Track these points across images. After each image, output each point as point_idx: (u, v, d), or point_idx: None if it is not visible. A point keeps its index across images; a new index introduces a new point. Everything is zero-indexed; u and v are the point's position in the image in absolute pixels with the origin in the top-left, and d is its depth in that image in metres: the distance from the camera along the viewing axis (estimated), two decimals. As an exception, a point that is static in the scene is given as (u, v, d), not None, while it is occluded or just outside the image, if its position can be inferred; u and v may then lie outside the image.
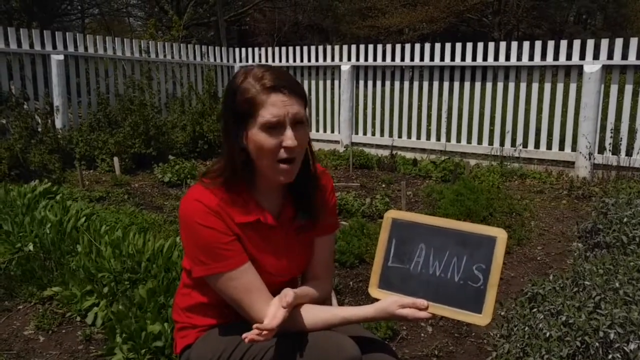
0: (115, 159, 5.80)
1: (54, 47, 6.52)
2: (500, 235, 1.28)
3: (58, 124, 6.40)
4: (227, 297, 1.33)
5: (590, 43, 5.99)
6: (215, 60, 8.70)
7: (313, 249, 1.48)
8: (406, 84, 7.38)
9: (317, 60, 8.14)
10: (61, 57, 6.49)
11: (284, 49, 8.52)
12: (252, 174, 1.35)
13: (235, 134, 1.30)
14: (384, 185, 5.80)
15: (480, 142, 6.87)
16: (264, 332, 1.19)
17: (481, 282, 1.26)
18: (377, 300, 1.34)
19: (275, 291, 1.38)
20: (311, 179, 1.41)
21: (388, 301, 1.29)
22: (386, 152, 7.29)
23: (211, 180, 1.34)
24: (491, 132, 6.80)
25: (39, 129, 6.07)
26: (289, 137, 1.26)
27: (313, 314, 1.32)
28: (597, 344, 1.57)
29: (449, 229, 1.33)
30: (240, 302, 1.31)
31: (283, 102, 1.26)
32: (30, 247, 3.15)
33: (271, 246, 1.38)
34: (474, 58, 6.77)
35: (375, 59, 7.57)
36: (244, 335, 1.20)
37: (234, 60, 9.03)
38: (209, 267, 1.30)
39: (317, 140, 8.13)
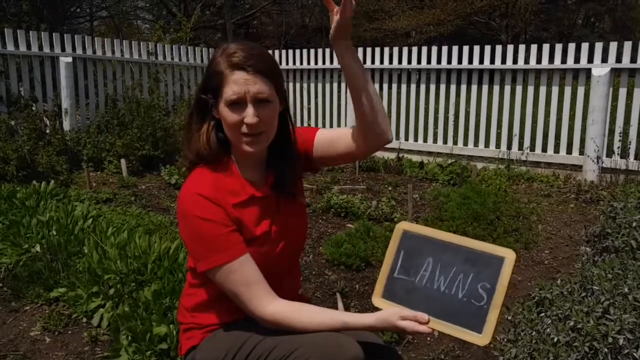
0: (123, 160, 5.82)
1: (63, 49, 6.55)
2: (508, 256, 1.27)
3: (66, 125, 6.43)
4: (228, 292, 1.33)
5: (599, 46, 5.96)
6: (222, 62, 8.70)
7: (306, 210, 1.55)
8: (413, 86, 7.36)
9: (324, 63, 8.14)
10: (70, 59, 6.53)
11: (290, 51, 8.53)
12: (233, 151, 1.42)
13: (208, 107, 1.37)
14: (390, 188, 5.78)
15: (487, 145, 6.84)
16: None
17: (484, 301, 1.25)
18: (380, 309, 1.33)
19: (284, 264, 1.44)
20: (287, 155, 1.46)
21: (389, 312, 1.28)
22: (392, 155, 7.28)
23: (198, 168, 1.40)
24: (498, 135, 6.77)
25: (47, 131, 6.09)
26: (248, 115, 1.31)
27: (316, 316, 1.31)
28: (605, 349, 1.56)
29: (458, 245, 1.32)
30: (241, 295, 1.31)
31: (245, 81, 1.30)
32: (37, 248, 3.17)
33: (269, 217, 1.42)
34: (481, 61, 6.74)
35: (382, 62, 7.56)
36: None
37: (241, 63, 9.03)
38: (209, 261, 1.31)
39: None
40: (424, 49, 7.20)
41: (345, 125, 7.94)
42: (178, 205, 1.36)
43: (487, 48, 6.70)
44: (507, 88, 6.64)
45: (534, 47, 6.41)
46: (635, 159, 5.76)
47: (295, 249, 1.54)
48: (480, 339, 1.22)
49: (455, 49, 6.92)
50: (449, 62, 6.99)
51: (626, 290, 1.76)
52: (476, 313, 1.24)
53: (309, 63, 8.30)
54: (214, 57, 1.35)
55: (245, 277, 1.31)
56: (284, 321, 1.30)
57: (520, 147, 6.57)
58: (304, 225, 1.56)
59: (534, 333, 1.79)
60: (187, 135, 1.45)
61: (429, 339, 2.56)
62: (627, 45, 5.76)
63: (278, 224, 1.44)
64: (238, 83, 1.30)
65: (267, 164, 1.47)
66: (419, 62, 7.24)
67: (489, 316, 1.23)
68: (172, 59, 7.91)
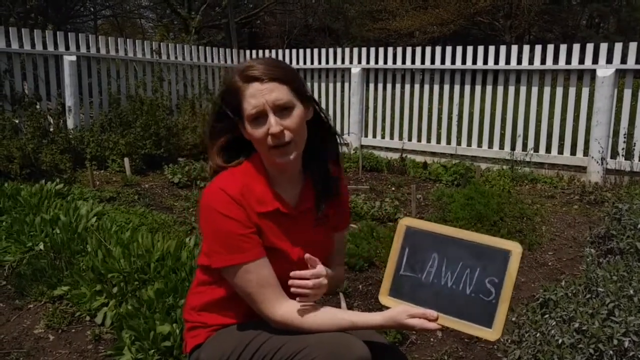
0: (126, 159, 5.82)
1: (67, 48, 6.56)
2: (515, 249, 1.26)
3: (70, 124, 6.43)
4: (241, 291, 1.33)
5: (604, 47, 5.93)
6: (226, 62, 8.72)
7: (332, 242, 1.50)
8: (416, 87, 7.35)
9: (327, 62, 8.13)
10: (73, 57, 6.54)
11: (294, 51, 8.53)
12: (263, 165, 1.39)
13: (228, 122, 1.37)
14: (393, 189, 5.78)
15: (491, 146, 6.82)
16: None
17: (493, 296, 1.24)
18: (387, 307, 1.32)
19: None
20: (323, 168, 1.45)
21: (397, 310, 1.28)
22: (396, 155, 7.27)
23: (230, 170, 1.38)
24: (502, 136, 6.76)
25: (51, 129, 6.10)
26: (272, 124, 1.28)
27: (323, 315, 1.31)
28: (611, 352, 1.55)
29: (463, 240, 1.31)
30: (254, 296, 1.31)
31: (260, 92, 1.28)
32: (41, 247, 3.17)
33: (290, 235, 1.39)
34: (485, 61, 6.73)
35: (385, 62, 7.55)
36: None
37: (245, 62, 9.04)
38: (226, 258, 1.30)
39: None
40: (428, 49, 7.19)
41: (349, 124, 7.94)
42: (202, 198, 1.34)
43: (491, 48, 6.68)
44: (511, 89, 6.62)
45: (538, 48, 6.39)
46: (640, 160, 5.75)
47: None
48: (491, 334, 1.22)
49: (459, 49, 6.91)
50: (453, 62, 6.98)
51: (631, 292, 1.75)
52: (485, 308, 1.24)
53: (312, 63, 8.29)
54: (232, 76, 1.34)
55: (260, 279, 1.31)
56: (292, 322, 1.29)
57: (524, 148, 6.55)
58: (329, 251, 1.51)
59: (538, 334, 1.78)
60: (210, 146, 1.44)
61: (432, 339, 2.55)
62: (632, 46, 5.74)
63: (302, 249, 1.40)
64: (254, 96, 1.28)
65: (305, 179, 1.44)
66: (422, 62, 7.23)
67: (498, 311, 1.23)
68: (176, 57, 7.92)
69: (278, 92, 1.28)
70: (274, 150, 1.30)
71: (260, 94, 1.27)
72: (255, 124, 1.29)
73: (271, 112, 1.28)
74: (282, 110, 1.29)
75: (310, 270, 1.31)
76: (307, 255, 1.32)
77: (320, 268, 1.33)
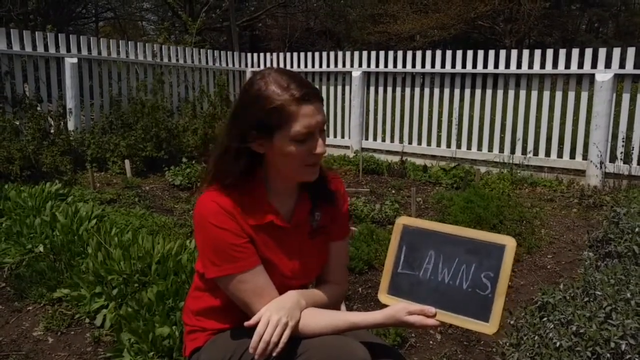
0: (127, 161, 5.83)
1: (68, 50, 6.58)
2: (509, 243, 1.27)
3: (70, 126, 6.45)
4: (237, 300, 1.33)
5: (602, 51, 5.95)
6: (227, 65, 8.74)
7: (327, 253, 1.49)
8: (417, 90, 7.37)
9: (328, 66, 8.16)
10: (75, 60, 6.55)
11: (295, 54, 8.55)
12: (265, 177, 1.38)
13: (246, 139, 1.31)
14: (393, 191, 5.78)
15: (490, 149, 6.84)
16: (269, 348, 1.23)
17: (489, 290, 1.26)
18: (386, 306, 1.33)
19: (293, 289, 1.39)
20: (320, 184, 1.44)
21: (396, 307, 1.29)
22: (396, 158, 7.28)
23: (222, 184, 1.35)
24: (502, 139, 6.77)
25: (52, 131, 6.12)
26: (319, 145, 1.30)
27: (322, 318, 1.32)
28: (608, 354, 1.55)
29: (458, 236, 1.33)
30: (251, 305, 1.31)
31: (313, 112, 1.28)
32: (41, 249, 3.18)
33: (284, 248, 1.39)
34: (485, 65, 6.75)
35: (386, 66, 7.57)
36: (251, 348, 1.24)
37: (246, 65, 9.07)
38: (220, 269, 1.31)
39: (328, 145, 8.10)
40: (429, 53, 7.21)
41: (350, 127, 7.96)
42: (195, 208, 1.35)
43: (491, 52, 6.71)
44: (511, 92, 6.64)
45: (537, 52, 6.41)
46: (638, 164, 5.75)
47: (308, 282, 1.51)
48: (488, 328, 1.24)
49: (459, 53, 6.93)
50: (453, 66, 7.00)
51: (629, 295, 1.76)
52: (482, 302, 1.25)
53: (313, 66, 8.31)
54: (263, 90, 1.27)
55: (256, 287, 1.31)
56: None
57: (524, 152, 6.57)
58: (323, 265, 1.49)
59: (536, 337, 1.79)
60: (219, 165, 1.36)
61: (431, 342, 2.56)
62: (631, 51, 5.76)
63: (297, 262, 1.41)
64: (308, 116, 1.27)
65: (300, 195, 1.44)
66: (423, 66, 7.25)
67: (494, 305, 1.24)
68: (177, 60, 7.94)
69: (323, 114, 1.32)
70: (311, 167, 1.33)
71: (312, 115, 1.28)
72: (300, 144, 1.28)
73: (318, 133, 1.30)
74: (322, 130, 1.33)
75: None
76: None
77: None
